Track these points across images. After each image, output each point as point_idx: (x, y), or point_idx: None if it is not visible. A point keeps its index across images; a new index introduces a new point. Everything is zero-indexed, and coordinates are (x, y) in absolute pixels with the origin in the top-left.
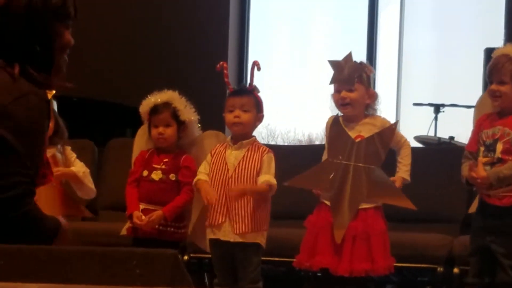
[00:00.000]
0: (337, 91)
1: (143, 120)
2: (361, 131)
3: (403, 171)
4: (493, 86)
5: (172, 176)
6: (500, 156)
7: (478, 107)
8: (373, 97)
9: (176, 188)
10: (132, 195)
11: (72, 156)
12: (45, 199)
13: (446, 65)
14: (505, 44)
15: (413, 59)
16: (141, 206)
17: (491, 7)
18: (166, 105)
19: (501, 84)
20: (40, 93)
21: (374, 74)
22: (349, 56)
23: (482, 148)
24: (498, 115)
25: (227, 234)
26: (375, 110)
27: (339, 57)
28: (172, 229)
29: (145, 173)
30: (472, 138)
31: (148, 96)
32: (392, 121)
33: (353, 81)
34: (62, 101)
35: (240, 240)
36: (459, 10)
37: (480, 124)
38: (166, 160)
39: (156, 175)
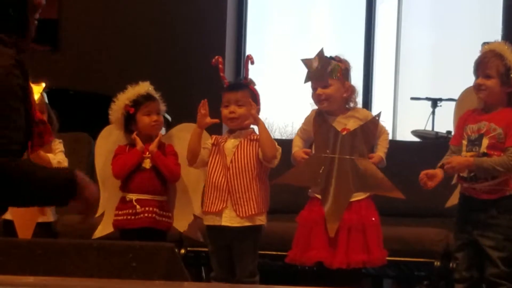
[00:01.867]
0: (313, 88)
1: (115, 117)
2: (346, 124)
3: (381, 151)
4: (479, 80)
5: None
6: (485, 151)
7: (459, 102)
8: (350, 90)
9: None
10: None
11: (58, 148)
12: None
13: (443, 60)
14: (502, 38)
15: (410, 54)
16: (135, 197)
17: (489, 2)
18: (152, 95)
19: (487, 78)
20: (6, 55)
21: (369, 66)
22: (320, 52)
23: (465, 142)
24: (483, 110)
25: (230, 219)
26: (355, 102)
27: (337, 52)
28: (164, 218)
29: None
30: (457, 133)
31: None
32: (389, 114)
33: (325, 77)
34: (58, 95)
35: (247, 223)
36: (457, 5)
37: (464, 119)
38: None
39: (147, 164)
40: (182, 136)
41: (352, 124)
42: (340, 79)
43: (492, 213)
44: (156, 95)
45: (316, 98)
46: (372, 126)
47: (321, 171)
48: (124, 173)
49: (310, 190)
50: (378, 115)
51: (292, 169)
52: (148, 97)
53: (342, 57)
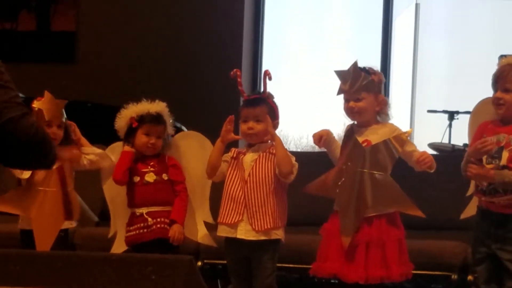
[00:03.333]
0: (345, 100)
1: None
2: (368, 136)
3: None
4: (498, 94)
5: (164, 176)
6: (506, 164)
7: (474, 114)
8: (383, 103)
9: (170, 187)
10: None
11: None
12: (55, 203)
13: (460, 72)
14: None
15: (427, 66)
16: (145, 210)
17: (506, 14)
18: (161, 118)
19: (506, 92)
20: None
21: (386, 79)
22: (354, 65)
23: (485, 155)
24: (501, 122)
25: (246, 232)
26: (386, 116)
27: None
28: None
29: (136, 179)
30: (473, 143)
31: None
32: (406, 128)
33: (359, 91)
34: (77, 107)
35: (263, 237)
36: (474, 17)
37: (481, 131)
38: (153, 163)
39: (150, 177)
40: (182, 144)
41: (374, 138)
42: (373, 92)
43: (511, 227)
44: (168, 119)
45: (349, 110)
46: (395, 142)
47: (340, 183)
48: (120, 176)
49: (335, 204)
50: (407, 132)
51: (317, 179)
52: (154, 119)
53: (375, 69)
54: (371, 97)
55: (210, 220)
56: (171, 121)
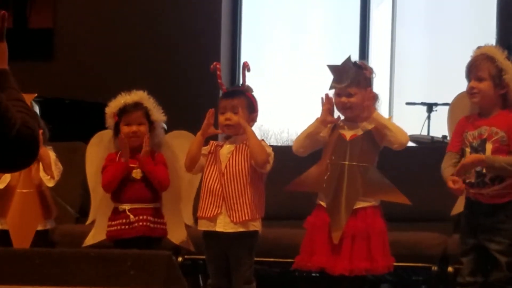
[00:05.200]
0: (337, 94)
1: (108, 123)
2: (358, 130)
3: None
4: (471, 83)
5: None
6: (490, 155)
7: (452, 107)
8: (373, 98)
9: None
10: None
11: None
12: (31, 203)
13: (438, 64)
14: (497, 43)
15: (405, 58)
16: (128, 207)
17: (483, 6)
18: (138, 104)
19: (479, 81)
20: None
21: (374, 74)
22: (348, 60)
23: (468, 150)
24: (480, 115)
25: (224, 225)
26: (375, 109)
27: (332, 57)
28: (159, 225)
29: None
30: (454, 140)
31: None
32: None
33: (352, 86)
34: (54, 104)
35: (241, 229)
36: (451, 9)
37: (462, 126)
38: None
39: (137, 174)
40: (174, 144)
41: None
42: (364, 87)
43: (501, 218)
44: (149, 104)
45: (341, 105)
46: (375, 131)
47: (326, 177)
48: (112, 187)
49: (318, 198)
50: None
51: (300, 176)
52: (131, 107)
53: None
54: (363, 92)
55: (191, 223)
56: (155, 105)
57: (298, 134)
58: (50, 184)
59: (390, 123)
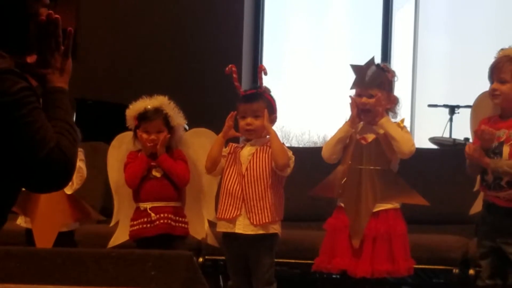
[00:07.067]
0: (358, 95)
1: (129, 123)
2: (372, 135)
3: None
4: (494, 85)
5: None
6: (508, 158)
7: (475, 108)
8: (394, 102)
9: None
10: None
11: (78, 156)
12: (56, 205)
13: (460, 66)
14: None
15: (428, 60)
16: (149, 205)
17: (506, 8)
18: (158, 111)
19: (501, 83)
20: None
21: (396, 77)
22: (371, 61)
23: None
24: (500, 117)
25: (244, 227)
26: (395, 114)
27: (354, 58)
28: (180, 224)
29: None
30: (475, 142)
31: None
32: (406, 122)
33: (374, 87)
34: (76, 104)
35: (261, 231)
36: (474, 11)
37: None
38: None
39: (158, 172)
40: (194, 141)
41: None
42: (386, 90)
43: None
44: (169, 109)
45: (361, 106)
46: (383, 138)
47: (343, 182)
48: (135, 182)
49: (338, 200)
50: (400, 122)
51: (322, 182)
52: (151, 113)
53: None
54: (384, 95)
55: (213, 218)
56: (175, 110)
57: (327, 141)
58: (69, 191)
59: (395, 132)
